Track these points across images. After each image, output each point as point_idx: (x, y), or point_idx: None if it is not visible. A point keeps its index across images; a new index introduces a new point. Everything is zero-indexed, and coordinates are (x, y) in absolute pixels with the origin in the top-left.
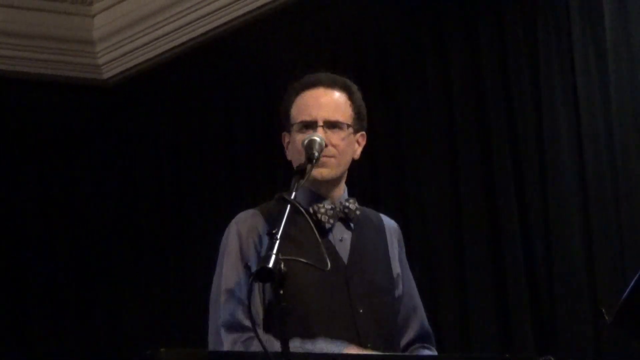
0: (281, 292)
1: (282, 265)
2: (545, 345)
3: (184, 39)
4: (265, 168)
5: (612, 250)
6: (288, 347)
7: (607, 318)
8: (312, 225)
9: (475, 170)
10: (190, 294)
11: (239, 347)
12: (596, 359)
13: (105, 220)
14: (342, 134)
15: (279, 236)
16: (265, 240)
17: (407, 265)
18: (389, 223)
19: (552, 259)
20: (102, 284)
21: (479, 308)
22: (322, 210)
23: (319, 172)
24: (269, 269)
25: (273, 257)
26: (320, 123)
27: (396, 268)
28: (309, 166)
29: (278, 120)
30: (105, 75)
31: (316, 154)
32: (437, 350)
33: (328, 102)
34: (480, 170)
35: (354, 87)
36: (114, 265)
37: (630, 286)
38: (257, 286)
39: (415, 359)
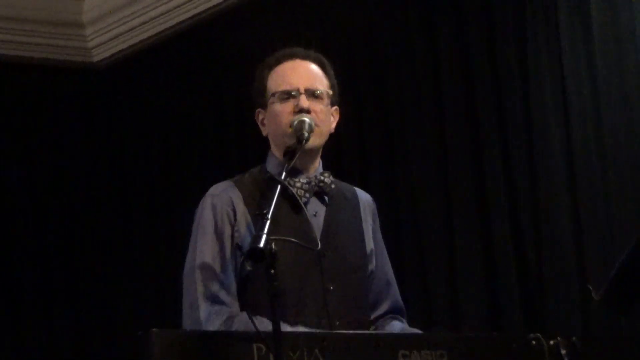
0: (272, 271)
1: (273, 245)
2: (534, 324)
3: (173, 22)
4: (254, 148)
5: (600, 230)
6: (279, 327)
7: (595, 296)
8: (303, 205)
9: (463, 153)
10: (181, 277)
11: (218, 326)
12: (584, 336)
13: (97, 203)
14: (322, 102)
15: (269, 216)
16: (240, 210)
17: (381, 240)
18: (364, 197)
19: (541, 239)
20: (95, 267)
21: (469, 287)
22: (298, 184)
23: (307, 143)
24: (261, 249)
25: (264, 238)
26: (302, 91)
27: (370, 244)
28: (298, 146)
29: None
30: (96, 58)
31: (306, 134)
32: (428, 329)
33: (307, 72)
34: (468, 152)
35: (327, 62)
36: (105, 247)
37: (617, 265)
38: (233, 260)
39: (404, 336)
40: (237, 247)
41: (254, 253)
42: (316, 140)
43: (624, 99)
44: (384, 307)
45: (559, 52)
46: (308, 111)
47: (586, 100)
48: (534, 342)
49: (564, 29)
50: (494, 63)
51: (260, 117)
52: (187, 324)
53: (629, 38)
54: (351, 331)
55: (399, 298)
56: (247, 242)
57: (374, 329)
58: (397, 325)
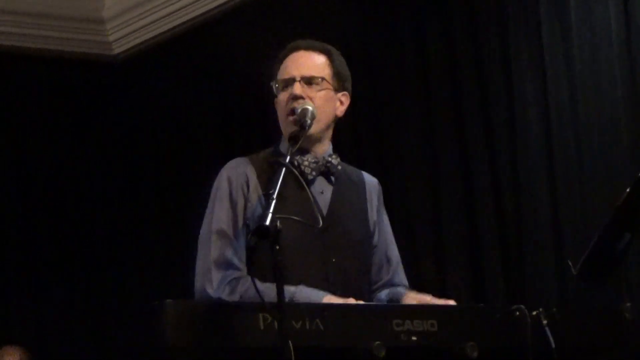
0: (277, 247)
1: (278, 223)
2: (515, 296)
3: (188, 17)
4: (257, 132)
5: (576, 210)
6: (283, 298)
7: (573, 271)
8: (306, 186)
9: (450, 141)
10: (191, 250)
11: (224, 287)
12: (563, 308)
13: (114, 183)
14: (318, 88)
15: (274, 196)
16: (253, 184)
17: (386, 220)
18: (370, 180)
19: (521, 218)
20: (111, 239)
21: (455, 263)
22: (305, 163)
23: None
24: (266, 226)
25: (269, 216)
26: (298, 79)
27: (373, 220)
28: (301, 132)
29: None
30: (115, 51)
31: (308, 121)
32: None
33: (305, 61)
34: (455, 140)
35: (334, 51)
36: (122, 222)
37: (592, 243)
38: (244, 231)
39: (398, 307)
40: (245, 225)
41: (260, 230)
42: (315, 126)
43: (597, 89)
44: (382, 281)
45: (540, 47)
46: (301, 97)
47: (564, 90)
48: (517, 313)
49: (545, 26)
50: (479, 58)
51: (277, 105)
52: (199, 287)
53: (603, 33)
54: (348, 301)
55: (401, 275)
56: (257, 214)
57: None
58: (383, 294)
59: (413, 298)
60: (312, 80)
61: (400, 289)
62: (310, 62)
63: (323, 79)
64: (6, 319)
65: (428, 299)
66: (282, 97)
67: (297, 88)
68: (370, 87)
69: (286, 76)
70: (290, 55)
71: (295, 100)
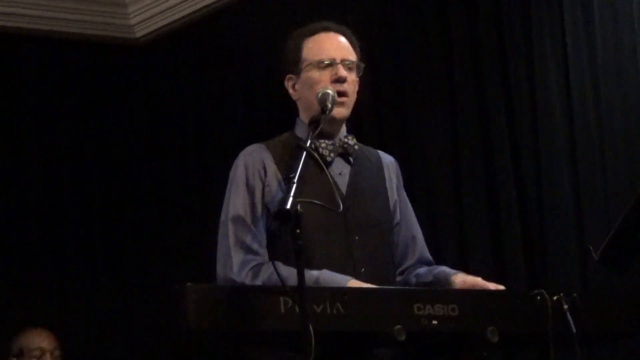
0: (298, 231)
1: (299, 207)
2: (537, 281)
3: (210, 0)
4: (280, 116)
5: (597, 195)
6: (304, 282)
7: (595, 256)
8: (325, 168)
9: (472, 127)
10: (213, 234)
11: (246, 273)
12: (583, 293)
13: (136, 166)
14: (354, 73)
15: (295, 180)
16: (271, 169)
17: (405, 198)
18: (387, 158)
19: (543, 202)
20: (134, 223)
21: (476, 247)
22: (323, 145)
23: (338, 112)
24: (287, 210)
25: (290, 200)
26: (338, 61)
27: (393, 198)
28: (322, 116)
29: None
30: (137, 35)
31: (329, 105)
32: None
33: (343, 44)
34: (477, 127)
35: (353, 36)
36: (144, 206)
37: (614, 228)
38: (263, 214)
39: (419, 291)
40: (266, 208)
41: (281, 214)
42: (343, 111)
43: (619, 74)
44: (410, 260)
45: (562, 32)
46: (345, 80)
47: (586, 75)
48: (538, 298)
49: (567, 10)
50: (502, 42)
51: (291, 82)
52: (220, 272)
53: (625, 18)
54: (370, 286)
55: (427, 253)
56: (277, 198)
57: (402, 279)
58: (422, 269)
59: (463, 280)
60: (350, 65)
61: (447, 269)
62: (346, 46)
63: (356, 64)
64: (31, 302)
65: (479, 281)
66: (320, 77)
67: (342, 71)
68: (393, 68)
69: (325, 56)
70: (322, 35)
71: (341, 84)
